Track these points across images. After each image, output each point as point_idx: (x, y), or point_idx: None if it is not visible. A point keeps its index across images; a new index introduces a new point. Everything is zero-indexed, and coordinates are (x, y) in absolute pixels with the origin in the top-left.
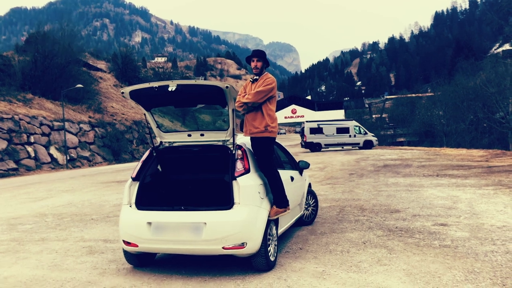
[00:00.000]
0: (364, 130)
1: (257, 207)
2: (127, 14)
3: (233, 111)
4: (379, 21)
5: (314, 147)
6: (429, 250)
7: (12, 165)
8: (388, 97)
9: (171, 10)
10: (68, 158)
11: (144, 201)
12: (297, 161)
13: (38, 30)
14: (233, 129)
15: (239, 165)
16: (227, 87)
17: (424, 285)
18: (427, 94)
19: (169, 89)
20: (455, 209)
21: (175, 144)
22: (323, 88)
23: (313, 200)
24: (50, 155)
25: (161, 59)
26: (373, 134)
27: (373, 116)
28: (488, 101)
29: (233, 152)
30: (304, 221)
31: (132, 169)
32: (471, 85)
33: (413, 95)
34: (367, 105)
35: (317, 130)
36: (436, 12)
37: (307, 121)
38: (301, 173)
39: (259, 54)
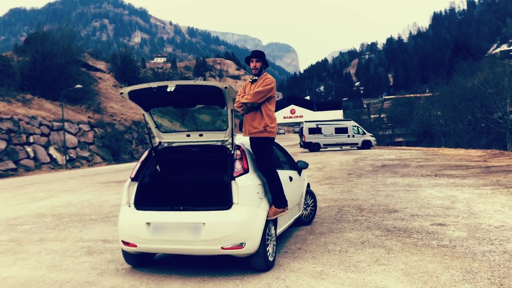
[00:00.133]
0: (363, 130)
1: (256, 207)
2: (126, 15)
3: (232, 111)
4: (377, 21)
5: (313, 147)
6: (427, 250)
7: (11, 165)
8: (386, 97)
9: (170, 11)
10: (68, 158)
11: (143, 201)
12: (296, 161)
13: (37, 30)
14: (232, 129)
15: (237, 165)
16: (226, 87)
17: (422, 284)
18: (426, 95)
19: (168, 89)
20: (453, 209)
21: (174, 145)
22: (321, 88)
23: (312, 200)
24: (50, 156)
25: (160, 60)
26: (371, 134)
27: (372, 116)
28: (486, 101)
29: (232, 152)
30: (302, 221)
31: (131, 169)
32: (469, 85)
33: (412, 95)
34: (365, 105)
35: (315, 130)
36: (434, 13)
37: (306, 121)
38: (299, 173)
39: (258, 55)
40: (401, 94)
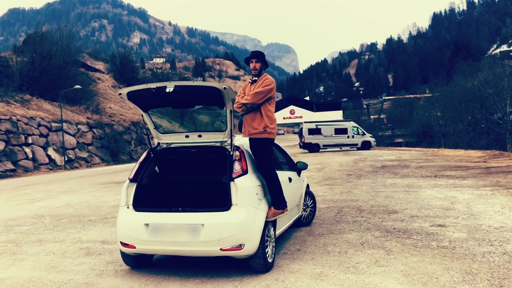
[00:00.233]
0: (362, 131)
1: (255, 209)
2: (125, 15)
3: (230, 112)
4: (377, 22)
5: (313, 148)
6: (427, 251)
7: (10, 166)
8: (386, 98)
9: (170, 11)
10: (66, 159)
11: (141, 203)
12: (295, 162)
13: (36, 31)
14: (231, 130)
15: (236, 166)
16: (225, 88)
17: (422, 286)
18: (425, 95)
19: (167, 90)
20: (453, 210)
21: (172, 145)
22: (321, 89)
23: (311, 201)
24: (48, 156)
25: (159, 60)
26: (371, 135)
27: (371, 117)
28: (486, 102)
29: (231, 153)
30: (302, 222)
31: (130, 170)
32: (469, 86)
33: (411, 96)
34: (365, 106)
35: (315, 131)
36: (434, 13)
37: (305, 122)
38: (299, 174)
39: (258, 55)
40: (400, 95)
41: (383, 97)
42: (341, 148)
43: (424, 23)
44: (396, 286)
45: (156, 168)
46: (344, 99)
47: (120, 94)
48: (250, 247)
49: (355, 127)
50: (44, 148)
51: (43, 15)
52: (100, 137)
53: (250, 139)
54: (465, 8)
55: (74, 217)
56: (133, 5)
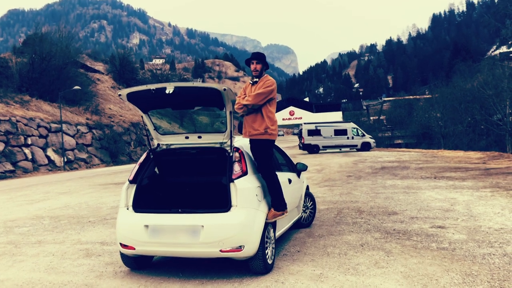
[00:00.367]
0: (362, 132)
1: (255, 210)
2: (125, 16)
3: (230, 113)
4: (377, 23)
5: (312, 149)
6: (426, 253)
7: (9, 167)
8: (385, 99)
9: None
10: (66, 160)
11: (141, 204)
12: (295, 163)
13: (35, 31)
14: (231, 131)
15: (236, 168)
16: (224, 89)
17: (422, 287)
18: (425, 96)
19: (167, 91)
20: (452, 211)
21: (172, 147)
22: (321, 90)
23: (311, 203)
24: (48, 157)
25: (159, 61)
26: (370, 136)
27: (371, 118)
28: (486, 103)
29: (231, 154)
30: (302, 224)
31: (129, 171)
32: (468, 87)
33: (411, 97)
34: (364, 107)
35: (315, 132)
36: (433, 14)
37: (305, 123)
38: (298, 175)
39: (259, 57)
40: (400, 96)
41: (382, 98)
42: (340, 149)
43: (423, 24)
44: (396, 287)
45: (156, 169)
46: (344, 100)
47: (120, 95)
48: (250, 248)
49: (354, 128)
50: (44, 149)
51: (43, 16)
52: (99, 138)
53: (250, 140)
54: (464, 9)
55: (74, 218)
56: (133, 6)
